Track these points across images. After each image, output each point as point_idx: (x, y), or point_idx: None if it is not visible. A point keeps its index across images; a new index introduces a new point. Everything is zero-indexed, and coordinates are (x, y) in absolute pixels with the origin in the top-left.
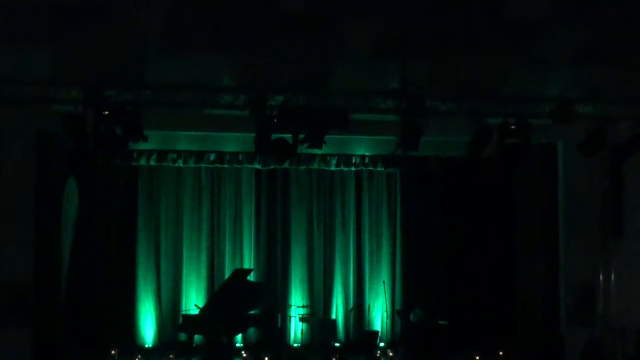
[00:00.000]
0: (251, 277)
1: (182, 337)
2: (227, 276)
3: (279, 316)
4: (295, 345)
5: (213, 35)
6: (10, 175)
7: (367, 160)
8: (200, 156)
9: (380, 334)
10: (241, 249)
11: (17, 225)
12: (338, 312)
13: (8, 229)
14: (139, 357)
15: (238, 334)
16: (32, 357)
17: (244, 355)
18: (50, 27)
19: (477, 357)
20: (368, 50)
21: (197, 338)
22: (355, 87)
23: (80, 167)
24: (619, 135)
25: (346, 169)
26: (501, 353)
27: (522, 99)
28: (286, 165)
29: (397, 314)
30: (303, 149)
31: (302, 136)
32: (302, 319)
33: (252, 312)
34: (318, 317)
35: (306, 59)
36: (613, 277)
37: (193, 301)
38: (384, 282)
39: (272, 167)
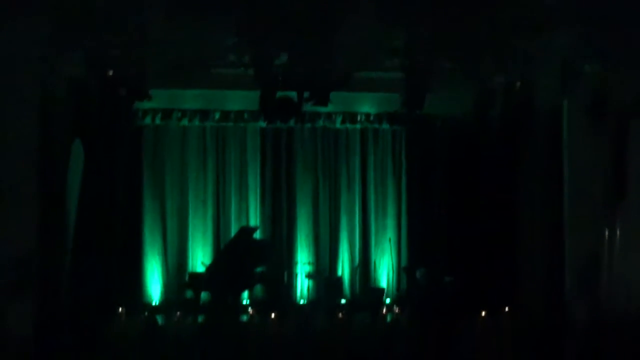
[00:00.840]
0: (257, 235)
1: (189, 294)
2: (232, 234)
3: (285, 273)
4: (301, 302)
5: None
6: (15, 138)
7: (372, 118)
8: (204, 114)
9: (386, 291)
10: (246, 206)
11: (21, 189)
12: (344, 269)
13: (13, 194)
14: (145, 314)
15: (244, 291)
16: (35, 324)
17: (250, 312)
18: None
19: (483, 314)
20: (373, 7)
21: (203, 295)
22: (359, 45)
23: (84, 128)
24: (624, 97)
25: (351, 127)
26: (507, 309)
27: (527, 59)
28: (291, 123)
29: (403, 271)
30: (308, 107)
31: (306, 94)
32: (308, 276)
33: (258, 270)
34: (324, 274)
35: (310, 16)
36: (617, 239)
37: (199, 259)
38: (390, 239)
39: (277, 125)
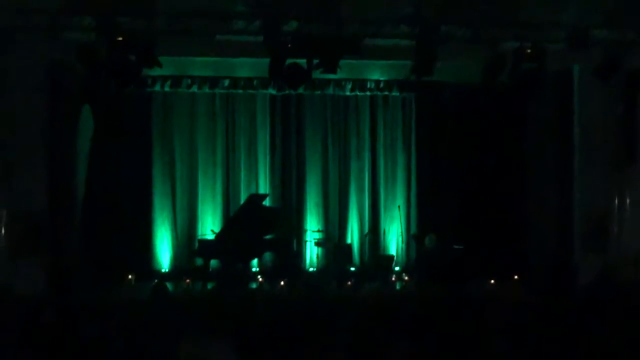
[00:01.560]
0: (266, 202)
1: (198, 261)
2: (242, 201)
3: (294, 241)
4: (311, 269)
5: None
6: (23, 105)
7: (381, 85)
8: (214, 82)
9: (395, 258)
10: (256, 174)
11: (32, 154)
12: (353, 236)
13: (23, 158)
14: (155, 281)
15: (253, 258)
16: (47, 283)
17: (260, 279)
18: None
19: (492, 281)
20: None
21: (213, 262)
22: (369, 12)
23: (93, 94)
24: (635, 61)
25: (360, 94)
26: (515, 277)
27: (537, 24)
28: (300, 90)
29: (412, 238)
30: (317, 74)
31: (316, 61)
32: (317, 244)
33: (268, 237)
34: (333, 241)
35: None
36: (627, 203)
37: (209, 226)
38: (399, 207)
39: (287, 92)
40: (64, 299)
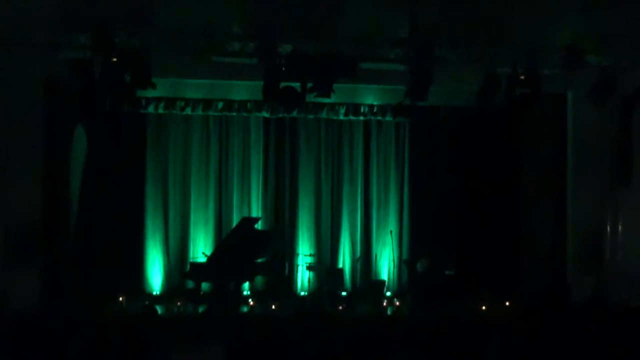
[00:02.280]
0: (258, 225)
1: (190, 284)
2: (234, 224)
3: (286, 264)
4: (302, 293)
5: None
6: (19, 121)
7: (375, 109)
8: (208, 104)
9: (386, 283)
10: (249, 197)
11: (27, 170)
12: (345, 260)
13: (18, 173)
14: (146, 303)
15: (245, 281)
16: (39, 297)
17: (251, 302)
18: None
19: (483, 307)
20: None
21: (205, 285)
22: (363, 35)
23: (88, 113)
24: (628, 84)
25: (354, 118)
26: (507, 303)
27: (531, 47)
28: (294, 113)
29: (404, 263)
30: (311, 98)
31: (310, 84)
32: (309, 268)
33: (259, 260)
34: (325, 265)
35: (314, 6)
36: (620, 224)
37: (200, 249)
38: (391, 232)
39: (280, 115)
40: (57, 311)
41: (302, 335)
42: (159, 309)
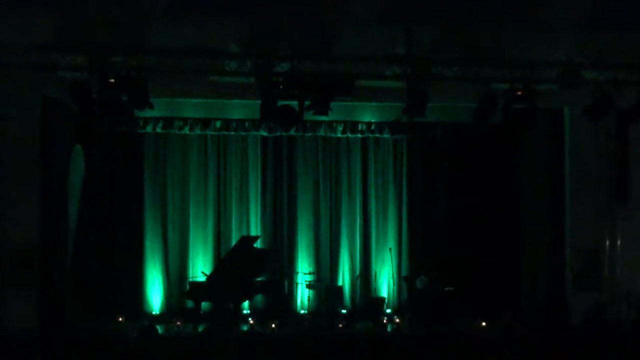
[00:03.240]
0: (257, 244)
1: (189, 303)
2: (233, 243)
3: (286, 283)
4: (302, 311)
5: (218, 1)
6: (17, 141)
7: (373, 127)
8: (206, 123)
9: (386, 300)
10: (247, 215)
11: (24, 191)
12: (344, 278)
13: (15, 194)
14: (146, 323)
15: (245, 300)
16: (37, 318)
17: (251, 321)
18: None
19: (483, 324)
20: (373, 15)
21: (204, 305)
22: (360, 53)
23: (85, 133)
24: (625, 100)
25: (352, 136)
26: (506, 319)
27: (527, 64)
28: (292, 132)
29: (403, 281)
30: (309, 116)
31: (307, 103)
32: (309, 286)
33: (259, 279)
34: (324, 283)
35: (311, 24)
36: (618, 242)
37: (200, 268)
38: (390, 249)
39: (278, 134)
40: (56, 332)
41: (303, 353)
42: (159, 329)
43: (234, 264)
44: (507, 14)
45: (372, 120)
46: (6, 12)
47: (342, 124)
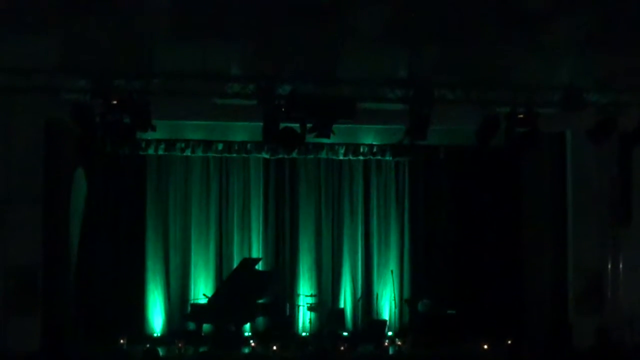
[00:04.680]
0: (259, 266)
1: (191, 326)
2: (235, 265)
3: (287, 305)
4: (303, 334)
5: (220, 24)
6: (19, 163)
7: (375, 149)
8: (208, 145)
9: (388, 323)
10: (249, 237)
11: (27, 212)
12: (346, 300)
13: (18, 216)
14: (147, 345)
15: (246, 322)
16: (40, 342)
17: (252, 344)
18: (58, 15)
19: (485, 347)
20: (376, 38)
21: (206, 327)
22: (363, 76)
23: (88, 155)
24: (628, 123)
25: (354, 158)
26: (509, 342)
27: (530, 87)
28: (294, 154)
29: (405, 303)
30: (311, 138)
31: (309, 125)
32: (310, 308)
33: (260, 301)
34: (326, 305)
35: (314, 47)
36: (621, 265)
37: (201, 290)
38: (392, 271)
39: (280, 156)
40: (58, 355)
41: None
42: (160, 351)
43: (235, 286)
44: (509, 37)
45: (374, 143)
46: (10, 35)
47: (344, 147)
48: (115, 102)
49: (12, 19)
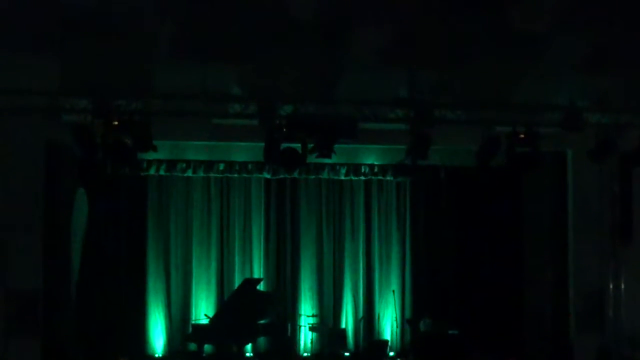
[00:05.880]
0: (260, 287)
1: (192, 346)
2: (236, 285)
3: (289, 325)
4: (305, 354)
5: (222, 45)
6: (20, 185)
7: (376, 169)
8: (209, 166)
9: (389, 343)
10: (250, 258)
11: (27, 235)
12: (347, 321)
13: (18, 238)
14: None
15: (248, 343)
16: None
17: None
18: (59, 37)
19: None
20: (377, 58)
21: (207, 347)
22: (364, 96)
23: (89, 177)
24: (628, 143)
25: (355, 178)
26: (512, 358)
27: (530, 107)
28: (295, 174)
29: (407, 323)
30: (312, 158)
31: (310, 145)
32: (312, 328)
33: (262, 322)
34: (327, 326)
35: (315, 68)
36: (622, 283)
37: (202, 310)
38: (394, 291)
39: (281, 176)
40: None
41: None
42: None
43: (237, 306)
44: (510, 57)
45: (376, 163)
46: (10, 56)
47: (346, 167)
48: (116, 122)
49: (13, 39)
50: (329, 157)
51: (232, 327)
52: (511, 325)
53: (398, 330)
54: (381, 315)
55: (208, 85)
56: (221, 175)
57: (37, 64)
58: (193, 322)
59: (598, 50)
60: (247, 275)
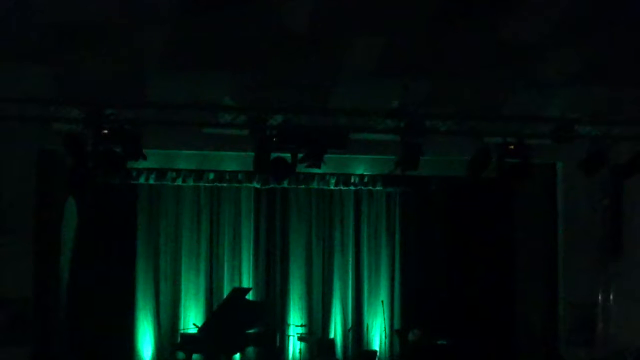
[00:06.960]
0: (249, 296)
1: (180, 356)
2: (225, 295)
3: (277, 335)
4: None
5: (212, 55)
6: (11, 193)
7: (366, 180)
8: (199, 175)
9: (378, 354)
10: (240, 267)
11: (17, 242)
12: (336, 331)
13: (8, 246)
14: None
15: (236, 352)
16: None
17: None
18: (51, 46)
19: None
20: (368, 69)
21: (195, 357)
22: (354, 107)
23: (79, 185)
24: (619, 155)
25: (345, 188)
26: None
27: (521, 119)
28: (285, 184)
29: (396, 333)
30: (302, 168)
31: (300, 155)
32: (301, 338)
33: (251, 331)
34: (316, 336)
35: (306, 78)
36: (612, 297)
37: (191, 320)
38: (382, 302)
39: (271, 186)
40: None
41: None
42: None
43: (225, 315)
44: (501, 70)
45: (366, 173)
46: (2, 65)
47: (335, 177)
48: (106, 131)
49: (5, 48)
50: (319, 167)
51: (220, 336)
52: (500, 337)
53: (387, 340)
54: (370, 325)
55: (199, 94)
56: (211, 185)
57: (29, 73)
58: (182, 331)
59: (590, 61)
60: (236, 285)
